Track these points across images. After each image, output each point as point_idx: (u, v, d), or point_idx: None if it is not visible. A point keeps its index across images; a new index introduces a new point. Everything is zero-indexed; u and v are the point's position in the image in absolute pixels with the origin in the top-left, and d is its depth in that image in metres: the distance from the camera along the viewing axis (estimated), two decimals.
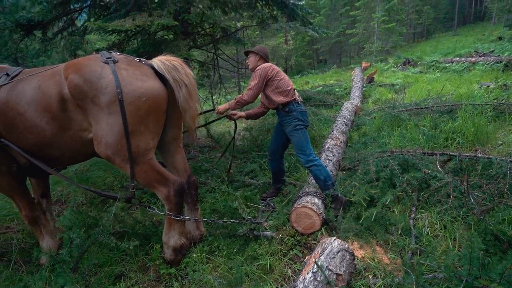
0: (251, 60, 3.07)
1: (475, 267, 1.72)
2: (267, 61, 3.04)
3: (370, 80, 10.83)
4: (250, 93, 2.85)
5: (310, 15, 5.82)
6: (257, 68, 2.90)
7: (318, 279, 1.86)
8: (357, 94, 8.36)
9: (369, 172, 2.96)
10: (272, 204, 3.29)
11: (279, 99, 2.89)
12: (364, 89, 9.46)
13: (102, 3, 4.93)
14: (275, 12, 5.54)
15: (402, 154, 3.15)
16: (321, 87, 10.43)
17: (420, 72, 11.39)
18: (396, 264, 2.25)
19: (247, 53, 3.15)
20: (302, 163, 2.96)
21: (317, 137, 5.16)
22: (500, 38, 19.88)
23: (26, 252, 2.93)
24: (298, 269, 2.33)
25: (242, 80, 10.14)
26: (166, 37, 4.92)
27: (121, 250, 2.69)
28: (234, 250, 2.54)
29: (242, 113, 3.14)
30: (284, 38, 22.23)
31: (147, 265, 2.53)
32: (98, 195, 3.47)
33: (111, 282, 2.38)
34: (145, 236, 2.85)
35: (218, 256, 2.51)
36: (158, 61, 2.17)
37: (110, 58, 2.05)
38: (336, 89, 9.87)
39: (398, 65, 13.63)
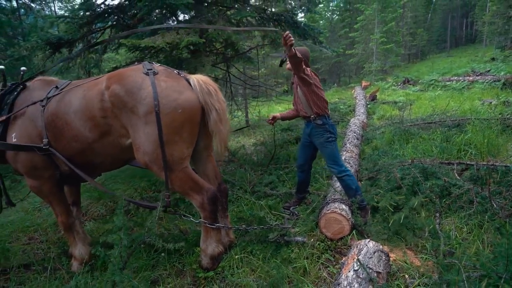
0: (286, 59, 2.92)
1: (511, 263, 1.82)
2: (308, 65, 3.00)
3: (373, 98, 11.15)
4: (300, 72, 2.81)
5: (321, 35, 6.12)
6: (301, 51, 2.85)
7: (361, 276, 1.95)
8: (362, 111, 8.62)
9: (393, 180, 3.09)
10: (296, 212, 3.38)
11: (316, 109, 2.97)
12: (368, 106, 9.74)
13: (124, 23, 5.19)
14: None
15: (421, 163, 3.29)
16: None
17: (420, 90, 11.75)
18: (427, 265, 2.34)
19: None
20: (334, 173, 3.04)
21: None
22: (493, 59, 20.59)
23: (54, 261, 2.96)
24: (332, 272, 2.41)
25: (249, 96, 10.41)
26: (187, 55, 5.15)
27: (152, 257, 2.76)
28: (268, 254, 2.61)
29: (277, 114, 3.30)
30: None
31: (183, 270, 2.58)
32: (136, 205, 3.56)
33: (147, 287, 2.43)
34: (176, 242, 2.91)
35: (254, 260, 2.57)
36: (195, 80, 2.27)
37: (151, 69, 2.19)
38: (341, 107, 10.15)
39: (398, 84, 14.05)
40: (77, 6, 4.31)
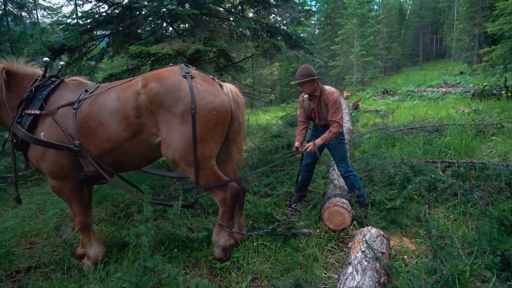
0: (309, 86, 3.13)
1: (494, 238, 2.15)
2: (318, 80, 3.21)
3: (356, 107, 11.73)
4: (341, 122, 3.12)
5: (313, 46, 6.51)
6: (336, 100, 3.10)
7: (368, 256, 2.21)
8: (347, 119, 9.07)
9: (386, 177, 3.42)
10: (298, 209, 3.62)
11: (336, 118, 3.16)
12: (352, 114, 10.26)
13: (124, 32, 5.34)
14: (281, 43, 6.18)
15: (410, 162, 3.65)
16: None
17: (399, 100, 12.49)
18: (422, 249, 2.64)
19: (302, 83, 3.13)
20: (341, 172, 3.28)
21: (323, 154, 5.63)
22: (461, 73, 22.13)
23: (63, 261, 2.99)
24: (339, 258, 2.65)
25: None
26: (186, 62, 5.34)
27: (163, 254, 2.89)
28: (279, 245, 2.82)
29: (298, 143, 3.39)
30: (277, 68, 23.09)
31: (198, 263, 2.73)
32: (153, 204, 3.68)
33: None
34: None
35: (266, 250, 2.78)
36: (228, 88, 2.51)
37: (189, 73, 2.39)
38: None
39: (378, 94, 14.83)
40: (80, 14, 4.44)
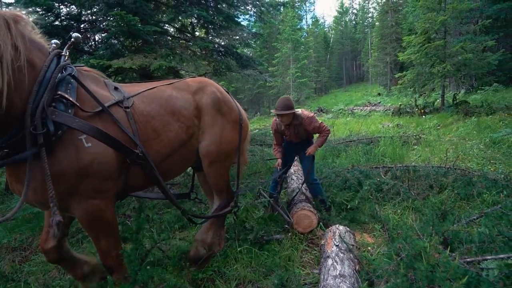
0: (288, 117, 3.32)
1: (436, 222, 2.64)
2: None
3: None
4: (325, 126, 3.43)
5: (262, 66, 6.96)
6: (311, 118, 3.41)
7: (342, 248, 2.50)
8: None
9: (342, 181, 3.84)
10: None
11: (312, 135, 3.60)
12: None
13: (80, 47, 4.97)
14: (232, 63, 6.48)
15: (359, 168, 4.17)
16: (257, 130, 11.63)
17: (333, 117, 13.84)
18: (379, 241, 3.04)
19: (283, 115, 3.29)
20: (309, 180, 3.56)
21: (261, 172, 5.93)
22: (379, 94, 25.54)
23: None
24: (313, 256, 2.90)
25: None
26: (137, 76, 5.27)
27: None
28: (256, 251, 2.95)
29: (279, 161, 3.68)
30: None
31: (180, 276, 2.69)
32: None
33: None
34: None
35: (245, 256, 2.88)
36: (242, 110, 2.81)
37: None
38: (270, 131, 11.19)
39: (314, 112, 16.18)
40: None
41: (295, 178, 4.48)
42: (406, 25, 25.99)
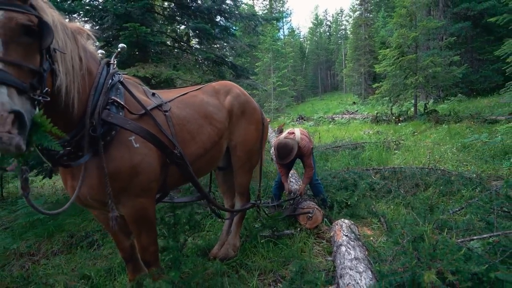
0: (292, 154, 3.59)
1: (427, 213, 3.08)
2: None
3: (280, 131, 13.06)
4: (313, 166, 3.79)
5: (255, 76, 7.31)
6: (309, 152, 3.74)
7: (352, 238, 2.86)
8: (274, 140, 10.18)
9: (338, 182, 4.25)
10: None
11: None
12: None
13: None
14: (227, 72, 6.79)
15: (353, 170, 4.61)
16: None
17: (314, 125, 14.46)
18: (378, 232, 3.45)
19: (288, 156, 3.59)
20: (312, 180, 3.91)
21: (269, 172, 6.30)
22: (354, 103, 26.79)
23: None
24: (322, 248, 3.24)
25: None
26: None
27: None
28: (271, 245, 3.25)
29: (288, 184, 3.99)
30: None
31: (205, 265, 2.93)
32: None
33: None
34: None
35: (262, 250, 3.16)
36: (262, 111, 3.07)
37: None
38: None
39: (295, 120, 16.77)
40: None
41: (293, 180, 4.83)
42: (378, 38, 27.67)
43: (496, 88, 14.44)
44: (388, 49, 12.13)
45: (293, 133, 3.86)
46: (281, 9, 41.23)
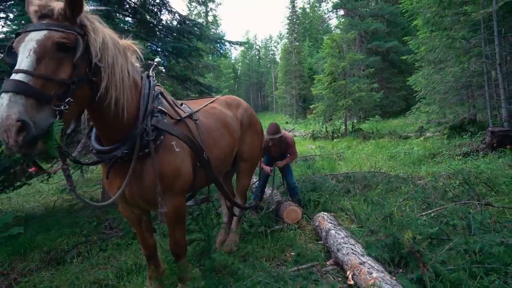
0: (278, 139, 4.32)
1: (384, 203, 4.00)
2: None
3: None
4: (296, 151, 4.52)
5: (220, 93, 7.82)
6: (289, 139, 4.51)
7: (336, 224, 3.56)
8: None
9: (311, 184, 5.01)
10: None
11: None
12: None
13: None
14: (193, 88, 7.16)
15: (318, 175, 5.45)
16: None
17: None
18: (347, 222, 4.24)
19: (274, 138, 4.27)
20: (290, 184, 4.55)
21: None
22: (287, 122, 28.97)
23: None
24: (308, 237, 3.86)
25: None
26: None
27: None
28: (268, 238, 3.74)
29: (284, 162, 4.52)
30: None
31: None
32: None
33: None
34: None
35: (258, 242, 3.63)
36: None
37: None
38: None
39: None
40: None
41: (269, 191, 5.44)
42: (306, 64, 30.86)
43: (401, 111, 17.79)
44: (322, 75, 14.01)
45: None
46: (215, 31, 42.61)
